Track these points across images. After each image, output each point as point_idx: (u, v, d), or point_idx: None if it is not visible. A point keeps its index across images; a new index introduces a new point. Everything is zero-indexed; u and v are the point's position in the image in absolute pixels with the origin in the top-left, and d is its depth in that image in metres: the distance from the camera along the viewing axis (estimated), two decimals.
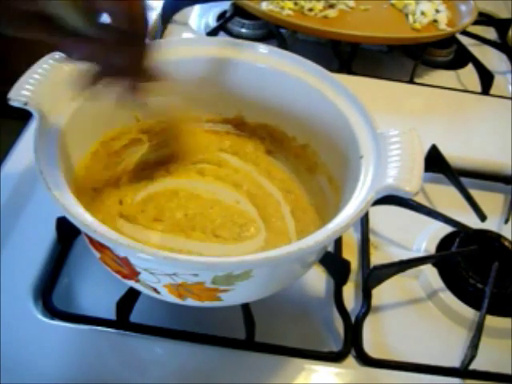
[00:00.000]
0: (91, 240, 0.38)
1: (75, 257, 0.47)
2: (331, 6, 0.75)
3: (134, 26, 0.36)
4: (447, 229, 0.53)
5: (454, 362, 0.44)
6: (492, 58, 0.81)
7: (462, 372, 0.43)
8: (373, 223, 0.53)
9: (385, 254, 0.51)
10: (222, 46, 0.47)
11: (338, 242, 0.50)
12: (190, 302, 0.38)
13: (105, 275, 0.40)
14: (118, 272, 0.38)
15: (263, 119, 0.50)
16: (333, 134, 0.45)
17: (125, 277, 0.38)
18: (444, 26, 0.75)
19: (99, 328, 0.42)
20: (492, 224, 0.54)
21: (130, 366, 0.40)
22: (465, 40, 0.80)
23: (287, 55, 0.47)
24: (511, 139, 0.63)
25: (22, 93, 0.38)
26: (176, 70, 0.47)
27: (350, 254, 0.50)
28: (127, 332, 0.42)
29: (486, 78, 0.73)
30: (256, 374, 0.41)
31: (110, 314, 0.42)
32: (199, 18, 0.80)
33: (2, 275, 0.44)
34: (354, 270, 0.48)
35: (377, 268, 0.46)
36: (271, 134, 0.50)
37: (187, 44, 0.47)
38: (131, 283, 0.39)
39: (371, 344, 0.44)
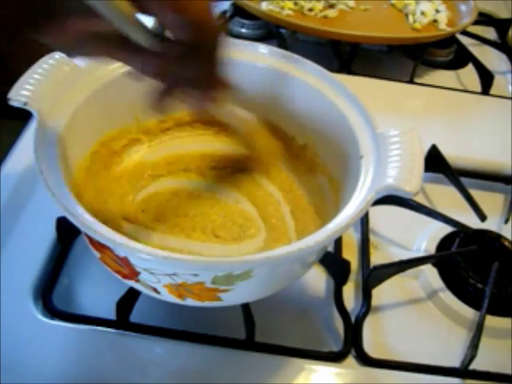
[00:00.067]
0: (91, 240, 0.38)
1: (75, 257, 0.47)
2: (331, 6, 0.75)
3: (201, 37, 0.32)
4: (447, 229, 0.53)
5: (454, 362, 0.44)
6: (492, 58, 0.81)
7: (462, 372, 0.43)
8: (373, 223, 0.53)
9: (385, 254, 0.51)
10: None
11: (338, 242, 0.50)
12: (190, 301, 0.38)
13: (105, 275, 0.40)
14: (117, 272, 0.38)
15: (263, 119, 0.50)
16: (333, 134, 0.45)
17: (125, 277, 0.38)
18: (444, 26, 0.75)
19: (99, 328, 0.42)
20: (492, 224, 0.54)
21: (130, 366, 0.40)
22: (465, 40, 0.80)
23: (287, 55, 0.47)
24: (511, 139, 0.63)
25: (21, 93, 0.38)
26: None
27: (350, 254, 0.50)
28: (127, 332, 0.42)
29: (486, 78, 0.73)
30: (256, 374, 0.41)
31: (110, 313, 0.42)
32: None
33: (2, 275, 0.44)
34: (354, 270, 0.48)
35: (377, 268, 0.46)
36: (271, 134, 0.50)
37: None
38: (131, 283, 0.39)
39: (371, 344, 0.44)
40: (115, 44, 0.33)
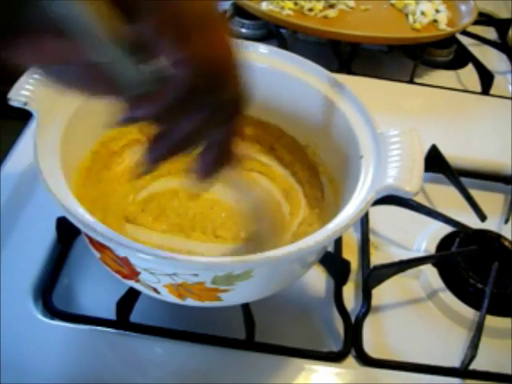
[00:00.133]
0: (91, 240, 0.38)
1: (75, 257, 0.47)
2: (331, 6, 0.75)
3: (211, 80, 0.26)
4: (447, 229, 0.53)
5: (454, 362, 0.44)
6: (492, 58, 0.81)
7: (462, 372, 0.43)
8: (373, 223, 0.53)
9: (385, 254, 0.51)
10: None
11: (338, 242, 0.50)
12: (190, 302, 0.38)
13: (105, 275, 0.40)
14: (118, 272, 0.38)
15: (263, 119, 0.50)
16: (333, 133, 0.45)
17: (125, 277, 0.38)
18: (444, 26, 0.75)
19: (99, 328, 0.42)
20: (492, 224, 0.54)
21: (130, 366, 0.40)
22: (465, 40, 0.80)
23: (287, 55, 0.47)
24: (511, 139, 0.63)
25: (21, 93, 0.38)
26: None
27: (350, 254, 0.50)
28: (127, 332, 0.42)
29: (486, 78, 0.73)
30: (256, 374, 0.41)
31: (110, 313, 0.42)
32: None
33: (2, 275, 0.44)
34: (354, 270, 0.48)
35: (377, 268, 0.46)
36: (271, 134, 0.50)
37: None
38: (131, 283, 0.39)
39: (371, 344, 0.44)
40: (97, 77, 0.26)
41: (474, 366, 0.43)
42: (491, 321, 0.45)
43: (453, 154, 0.59)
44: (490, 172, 0.60)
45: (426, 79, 0.75)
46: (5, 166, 0.52)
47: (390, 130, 0.39)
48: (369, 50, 0.78)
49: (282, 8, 0.72)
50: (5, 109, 0.39)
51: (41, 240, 0.47)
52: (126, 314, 0.42)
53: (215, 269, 0.34)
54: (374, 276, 0.46)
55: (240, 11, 0.75)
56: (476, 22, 0.78)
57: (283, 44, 0.71)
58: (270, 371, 0.41)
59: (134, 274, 0.37)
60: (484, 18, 0.89)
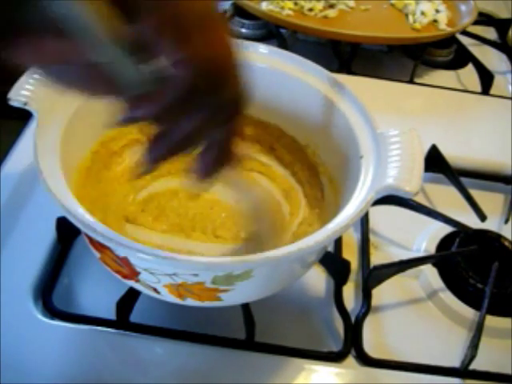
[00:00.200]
0: (91, 240, 0.38)
1: (75, 257, 0.47)
2: (331, 6, 0.75)
3: (212, 80, 0.26)
4: (447, 229, 0.53)
5: (454, 362, 0.44)
6: (492, 58, 0.81)
7: (462, 372, 0.43)
8: (373, 223, 0.53)
9: (385, 254, 0.51)
10: None
11: (338, 242, 0.50)
12: (190, 302, 0.38)
13: (105, 275, 0.40)
14: (118, 272, 0.38)
15: (263, 119, 0.50)
16: (333, 133, 0.45)
17: (125, 277, 0.38)
18: (444, 26, 0.75)
19: (99, 328, 0.42)
20: (492, 224, 0.54)
21: (130, 366, 0.40)
22: (465, 40, 0.80)
23: (287, 55, 0.47)
24: (511, 139, 0.63)
25: (21, 93, 0.38)
26: None
27: (350, 254, 0.50)
28: (127, 332, 0.42)
29: (486, 78, 0.73)
30: (256, 374, 0.41)
31: (110, 313, 0.42)
32: None
33: (2, 275, 0.44)
34: (354, 270, 0.48)
35: (377, 268, 0.46)
36: (271, 134, 0.50)
37: None
38: (131, 283, 0.39)
39: (371, 344, 0.44)
40: (97, 77, 0.26)
41: (474, 365, 0.43)
42: (491, 321, 0.45)
43: (453, 154, 0.59)
44: (490, 172, 0.60)
45: (426, 79, 0.75)
46: (5, 166, 0.52)
47: (390, 130, 0.39)
48: (369, 50, 0.78)
49: (282, 8, 0.72)
50: (5, 109, 0.39)
51: (41, 240, 0.47)
52: (126, 314, 0.42)
53: (215, 269, 0.34)
54: (373, 276, 0.46)
55: (240, 11, 0.75)
56: (476, 22, 0.78)
57: (283, 44, 0.71)
58: (270, 371, 0.41)
59: (133, 274, 0.37)
60: (484, 18, 0.89)
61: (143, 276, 0.36)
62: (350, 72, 0.72)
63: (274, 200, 0.47)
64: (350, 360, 0.43)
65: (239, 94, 0.29)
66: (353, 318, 0.45)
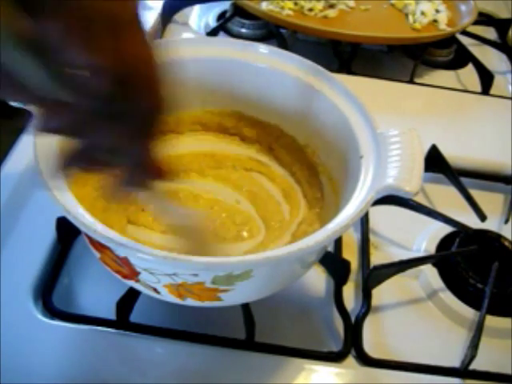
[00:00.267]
0: (91, 240, 0.38)
1: (75, 257, 0.47)
2: (331, 6, 0.75)
3: (131, 91, 0.24)
4: (447, 229, 0.53)
5: (454, 362, 0.44)
6: (492, 58, 0.81)
7: (462, 372, 0.43)
8: (373, 223, 0.53)
9: (385, 254, 0.51)
10: (222, 46, 0.47)
11: (338, 242, 0.50)
12: (190, 301, 0.38)
13: (105, 275, 0.40)
14: (118, 272, 0.38)
15: (263, 119, 0.50)
16: (333, 134, 0.45)
17: (125, 277, 0.38)
18: (444, 26, 0.75)
19: (99, 328, 0.42)
20: (492, 224, 0.54)
21: (130, 366, 0.40)
22: (465, 40, 0.80)
23: (287, 55, 0.47)
24: (511, 139, 0.63)
25: None
26: (176, 70, 0.47)
27: (350, 254, 0.50)
28: (127, 332, 0.42)
29: (486, 78, 0.73)
30: (256, 373, 0.41)
31: (110, 313, 0.42)
32: (199, 17, 0.80)
33: (2, 275, 0.44)
34: (353, 270, 0.48)
35: (377, 268, 0.46)
36: (270, 134, 0.50)
37: (188, 44, 0.47)
38: (131, 283, 0.39)
39: (371, 344, 0.44)
40: (3, 78, 0.23)
41: (474, 365, 0.43)
42: (491, 321, 0.45)
43: (453, 154, 0.59)
44: (490, 172, 0.61)
45: (426, 79, 0.75)
46: (5, 166, 0.52)
47: (390, 130, 0.39)
48: (369, 50, 0.78)
49: (282, 8, 0.72)
50: (5, 109, 0.39)
51: (41, 240, 0.47)
52: (125, 314, 0.42)
53: (215, 269, 0.34)
54: (373, 276, 0.46)
55: (240, 11, 0.75)
56: (476, 22, 0.78)
57: (283, 44, 0.71)
58: (270, 371, 0.41)
59: (133, 274, 0.37)
60: (484, 18, 0.89)
61: (143, 276, 0.36)
62: (350, 72, 0.72)
63: (274, 200, 0.47)
64: (350, 360, 0.43)
65: (160, 100, 0.26)
66: (353, 318, 0.45)
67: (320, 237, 0.34)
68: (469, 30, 0.79)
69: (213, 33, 0.74)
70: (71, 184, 0.37)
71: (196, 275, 0.34)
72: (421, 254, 0.51)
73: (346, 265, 0.46)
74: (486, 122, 0.68)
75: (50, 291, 0.44)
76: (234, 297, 0.38)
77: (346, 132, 0.42)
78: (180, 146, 0.50)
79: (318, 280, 0.48)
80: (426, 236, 0.52)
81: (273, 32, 0.74)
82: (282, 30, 0.74)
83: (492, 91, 0.72)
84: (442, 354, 0.44)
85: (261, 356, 0.42)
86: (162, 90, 0.26)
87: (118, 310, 0.42)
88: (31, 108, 0.25)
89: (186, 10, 0.79)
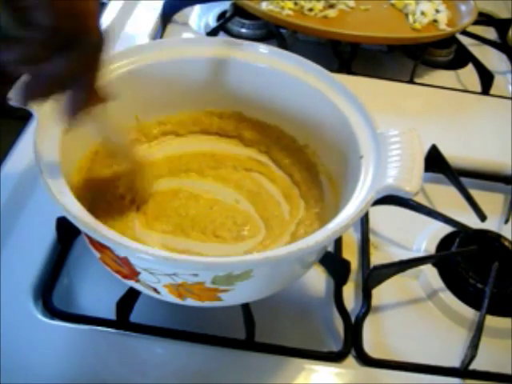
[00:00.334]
0: (91, 240, 0.38)
1: (75, 257, 0.47)
2: (331, 6, 0.75)
3: (72, 24, 0.29)
4: (447, 229, 0.53)
5: (454, 362, 0.44)
6: (492, 58, 0.81)
7: (462, 372, 0.43)
8: (373, 223, 0.53)
9: (385, 254, 0.51)
10: (222, 46, 0.47)
11: (338, 242, 0.50)
12: (190, 301, 0.38)
13: (105, 275, 0.40)
14: (118, 272, 0.38)
15: (263, 119, 0.50)
16: (333, 133, 0.45)
17: (125, 277, 0.38)
18: (444, 26, 0.75)
19: (99, 328, 0.42)
20: (492, 224, 0.54)
21: (130, 366, 0.40)
22: (465, 40, 0.80)
23: (287, 55, 0.47)
24: (511, 139, 0.63)
25: None
26: (176, 70, 0.47)
27: (350, 254, 0.50)
28: (127, 332, 0.42)
29: (486, 78, 0.73)
30: (256, 373, 0.41)
31: (110, 313, 0.42)
32: (199, 17, 0.80)
33: (2, 275, 0.44)
34: (353, 270, 0.48)
35: (377, 268, 0.46)
36: (270, 134, 0.50)
37: (187, 44, 0.47)
38: (131, 283, 0.39)
39: (371, 344, 0.44)
40: None
41: (474, 365, 0.43)
42: (491, 321, 0.45)
43: (453, 154, 0.59)
44: (490, 172, 0.61)
45: (426, 79, 0.75)
46: (5, 166, 0.52)
47: (390, 130, 0.39)
48: (369, 50, 0.78)
49: (282, 8, 0.72)
50: (5, 109, 0.39)
51: (41, 240, 0.47)
52: (126, 314, 0.42)
53: (215, 269, 0.34)
54: (373, 276, 0.46)
55: (240, 11, 0.75)
56: (476, 22, 0.78)
57: (283, 44, 0.71)
58: (270, 371, 0.41)
59: (133, 274, 0.37)
60: (484, 18, 0.89)
61: (143, 276, 0.36)
62: (350, 72, 0.72)
63: (273, 200, 0.47)
64: (350, 360, 0.43)
65: (100, 37, 0.31)
66: (353, 318, 0.45)
67: (320, 237, 0.34)
68: (469, 29, 0.79)
69: (213, 33, 0.74)
70: (71, 184, 0.37)
71: (196, 275, 0.34)
72: (421, 253, 0.51)
73: (345, 265, 0.46)
74: (486, 121, 0.68)
75: (50, 291, 0.44)
76: (234, 297, 0.38)
77: (346, 132, 0.42)
78: (180, 146, 0.50)
79: (317, 280, 0.48)
80: (426, 236, 0.52)
81: (273, 32, 0.74)
82: (282, 30, 0.74)
83: (492, 91, 0.72)
84: (442, 354, 0.44)
85: (261, 356, 0.42)
86: (100, 26, 0.31)
87: (117, 310, 0.42)
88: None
89: (186, 10, 0.79)
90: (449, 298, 0.47)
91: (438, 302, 0.48)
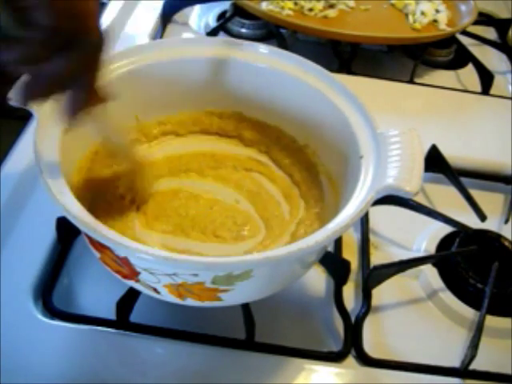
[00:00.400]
0: (91, 240, 0.38)
1: (75, 257, 0.47)
2: (331, 6, 0.75)
3: (72, 24, 0.29)
4: (447, 229, 0.53)
5: (454, 362, 0.44)
6: (492, 58, 0.81)
7: (462, 372, 0.43)
8: (373, 223, 0.53)
9: (385, 254, 0.51)
10: (222, 46, 0.47)
11: (338, 242, 0.50)
12: (190, 301, 0.38)
13: (105, 275, 0.40)
14: (118, 272, 0.38)
15: (263, 119, 0.50)
16: (333, 133, 0.45)
17: (125, 277, 0.38)
18: (444, 26, 0.75)
19: (99, 328, 0.42)
20: (492, 224, 0.54)
21: (130, 366, 0.40)
22: (465, 40, 0.80)
23: (287, 55, 0.47)
24: (511, 139, 0.63)
25: None
26: (176, 70, 0.47)
27: (350, 254, 0.50)
28: (127, 332, 0.42)
29: (486, 78, 0.73)
30: (256, 374, 0.41)
31: (110, 313, 0.42)
32: (199, 17, 0.80)
33: (2, 275, 0.44)
34: (353, 270, 0.48)
35: (377, 268, 0.46)
36: (270, 134, 0.50)
37: (187, 44, 0.47)
38: (131, 283, 0.39)
39: (371, 344, 0.44)
40: None
41: (474, 366, 0.43)
42: (491, 321, 0.45)
43: (453, 154, 0.59)
44: (490, 172, 0.61)
45: (426, 79, 0.75)
46: (5, 166, 0.52)
47: (390, 130, 0.39)
48: (369, 50, 0.78)
49: (282, 8, 0.72)
50: (5, 109, 0.39)
51: (41, 240, 0.47)
52: (125, 314, 0.42)
53: (215, 269, 0.34)
54: (373, 276, 0.46)
55: (240, 11, 0.75)
56: (476, 22, 0.78)
57: (283, 44, 0.71)
58: (270, 371, 0.41)
59: (133, 274, 0.37)
60: (484, 18, 0.89)
61: (143, 276, 0.36)
62: (350, 72, 0.72)
63: (273, 200, 0.47)
64: (350, 360, 0.43)
65: (100, 37, 0.32)
66: (353, 318, 0.45)
67: (320, 237, 0.34)
68: (469, 30, 0.79)
69: (213, 33, 0.74)
70: (71, 184, 0.37)
71: (196, 275, 0.34)
72: (421, 253, 0.51)
73: (345, 265, 0.46)
74: (486, 121, 0.68)
75: (50, 291, 0.44)
76: (234, 297, 0.38)
77: (346, 132, 0.42)
78: (180, 146, 0.50)
79: (317, 280, 0.48)
80: (426, 236, 0.52)
81: (273, 32, 0.74)
82: (282, 30, 0.74)
83: (492, 91, 0.72)
84: (442, 354, 0.44)
85: (261, 356, 0.42)
86: (102, 29, 0.31)
87: (117, 310, 0.42)
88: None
89: (186, 10, 0.79)
90: (449, 298, 0.47)
91: (438, 302, 0.48)
